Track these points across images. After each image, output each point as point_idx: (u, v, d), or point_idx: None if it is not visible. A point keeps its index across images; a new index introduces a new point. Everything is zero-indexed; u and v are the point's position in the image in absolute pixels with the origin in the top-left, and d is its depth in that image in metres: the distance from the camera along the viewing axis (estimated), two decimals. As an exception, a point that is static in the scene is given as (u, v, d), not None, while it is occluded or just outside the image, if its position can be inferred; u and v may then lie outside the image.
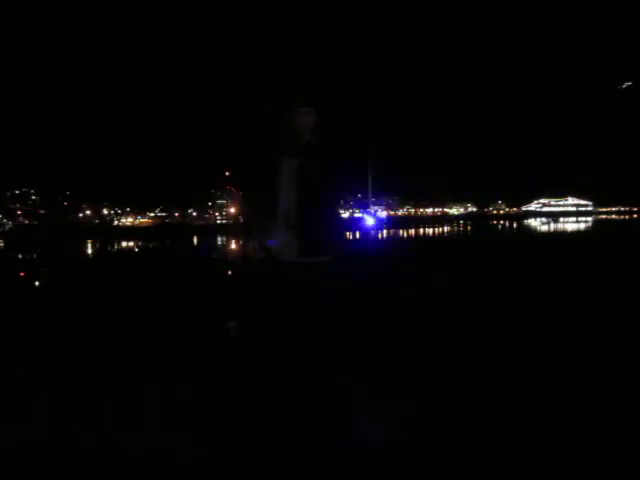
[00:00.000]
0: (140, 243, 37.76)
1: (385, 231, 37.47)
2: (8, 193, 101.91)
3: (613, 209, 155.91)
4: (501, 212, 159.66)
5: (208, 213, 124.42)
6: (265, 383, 2.78)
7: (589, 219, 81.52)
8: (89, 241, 42.08)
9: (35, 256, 25.40)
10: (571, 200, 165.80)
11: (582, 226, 48.64)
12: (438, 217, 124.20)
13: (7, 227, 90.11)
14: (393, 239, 26.46)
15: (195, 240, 41.88)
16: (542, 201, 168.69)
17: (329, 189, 2.73)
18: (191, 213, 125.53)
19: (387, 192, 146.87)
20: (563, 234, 32.72)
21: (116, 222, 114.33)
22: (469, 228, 51.93)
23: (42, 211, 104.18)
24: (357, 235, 20.62)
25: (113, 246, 34.31)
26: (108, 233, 64.21)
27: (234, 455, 2.38)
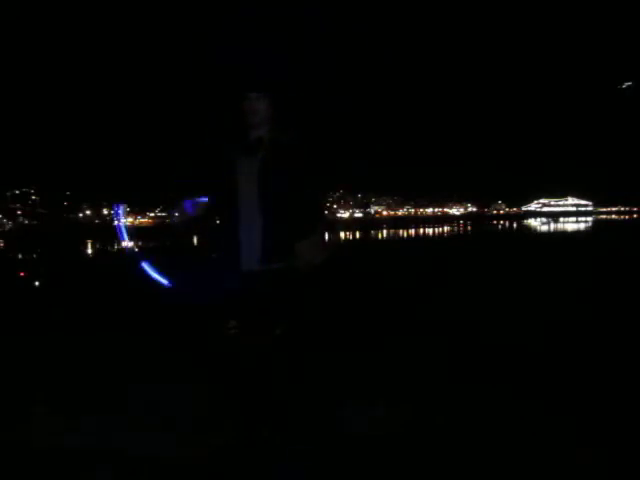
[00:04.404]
0: (140, 243, 37.76)
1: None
2: (8, 193, 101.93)
3: (613, 209, 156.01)
4: (501, 212, 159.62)
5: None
6: None
7: (589, 219, 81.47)
8: (89, 241, 42.09)
9: (35, 256, 25.44)
10: (571, 200, 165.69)
11: (582, 226, 48.66)
12: (438, 217, 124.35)
13: (7, 227, 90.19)
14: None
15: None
16: (542, 201, 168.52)
17: (297, 188, 2.31)
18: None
19: (388, 192, 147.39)
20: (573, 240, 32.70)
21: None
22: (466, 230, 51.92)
23: (42, 211, 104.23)
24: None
25: (113, 246, 34.30)
26: (108, 233, 64.21)
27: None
